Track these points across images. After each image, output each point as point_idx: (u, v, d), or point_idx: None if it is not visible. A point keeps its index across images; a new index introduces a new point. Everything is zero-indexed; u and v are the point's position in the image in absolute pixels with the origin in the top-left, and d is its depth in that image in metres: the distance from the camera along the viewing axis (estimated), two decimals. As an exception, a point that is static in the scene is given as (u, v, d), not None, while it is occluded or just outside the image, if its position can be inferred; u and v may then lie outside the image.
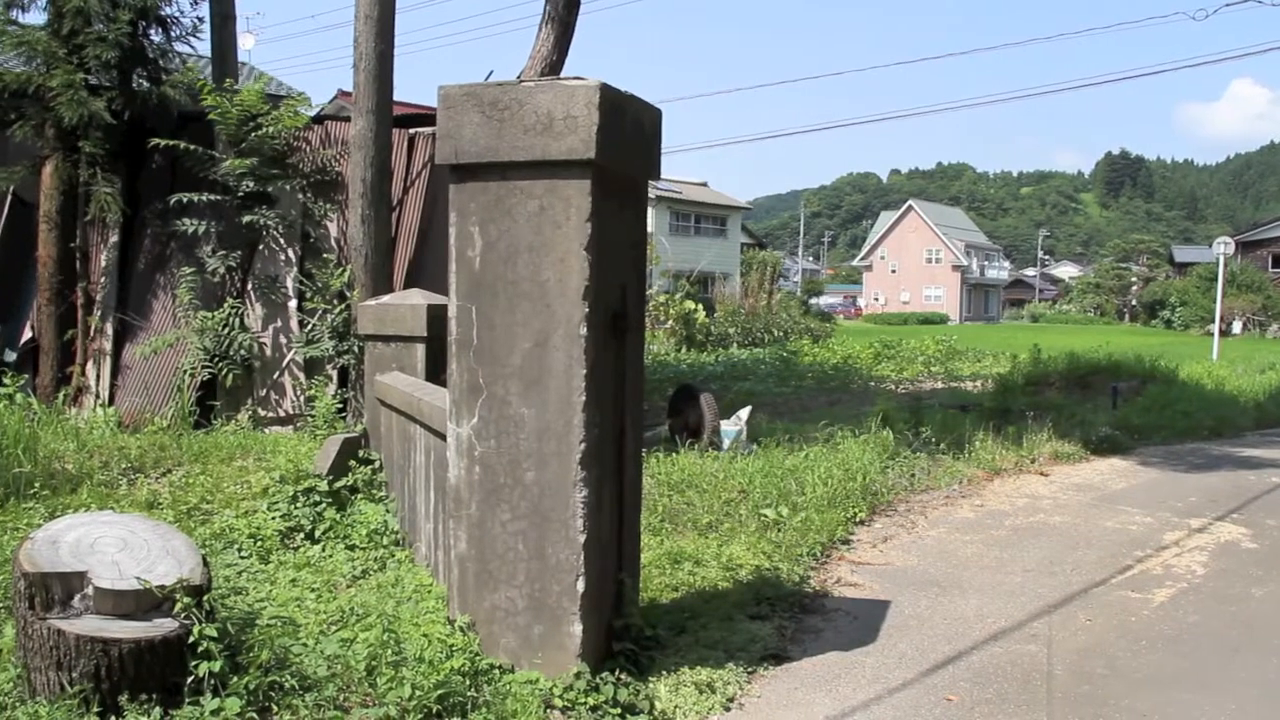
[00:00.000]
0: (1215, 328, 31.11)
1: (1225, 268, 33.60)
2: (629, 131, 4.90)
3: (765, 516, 8.05)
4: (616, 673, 4.79)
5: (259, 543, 6.89)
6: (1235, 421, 16.00)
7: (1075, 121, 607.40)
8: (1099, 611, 6.60)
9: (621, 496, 5.12)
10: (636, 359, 5.28)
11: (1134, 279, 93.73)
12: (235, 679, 4.12)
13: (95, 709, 3.93)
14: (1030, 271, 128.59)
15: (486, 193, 4.75)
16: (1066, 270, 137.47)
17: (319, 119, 13.37)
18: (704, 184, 64.77)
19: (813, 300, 71.49)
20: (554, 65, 11.10)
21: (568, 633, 4.71)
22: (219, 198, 11.92)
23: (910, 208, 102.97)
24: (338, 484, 7.57)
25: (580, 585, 4.68)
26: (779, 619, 6.12)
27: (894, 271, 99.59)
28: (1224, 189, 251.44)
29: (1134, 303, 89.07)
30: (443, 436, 5.19)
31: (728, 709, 4.91)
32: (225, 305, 11.79)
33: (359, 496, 7.58)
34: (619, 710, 4.59)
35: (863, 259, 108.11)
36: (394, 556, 6.72)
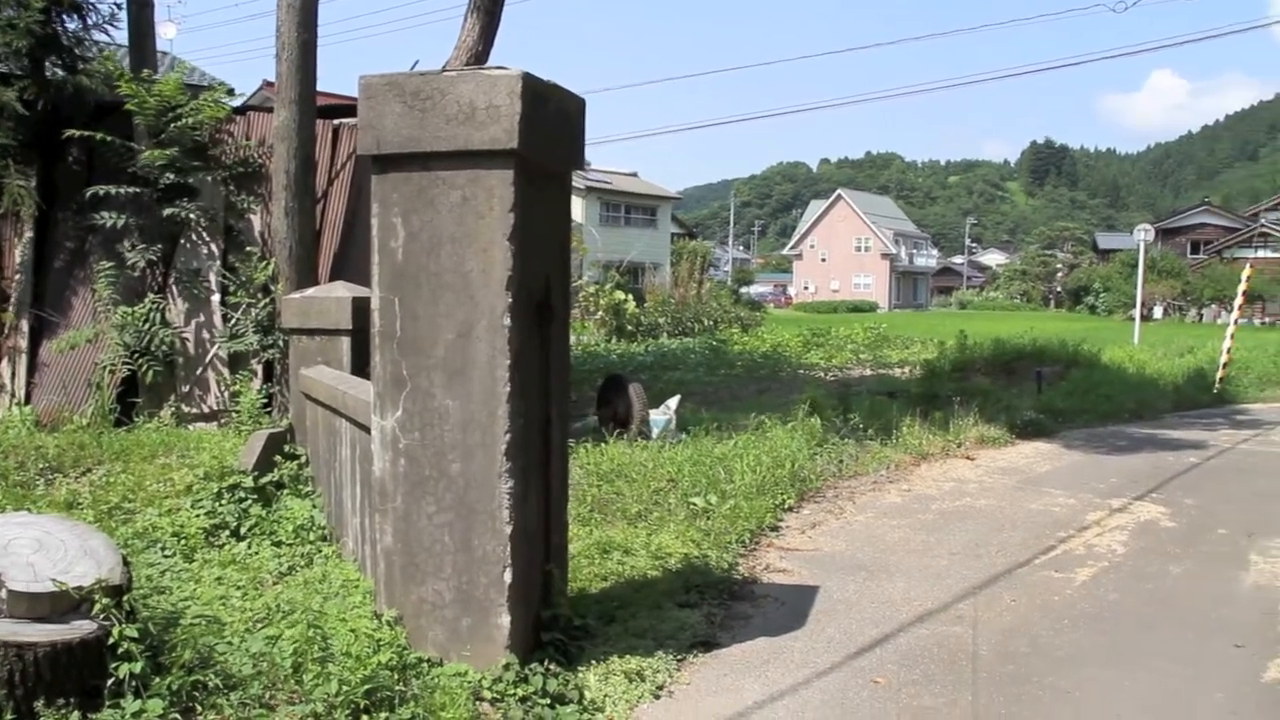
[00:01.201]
0: (1137, 313, 31.69)
1: (1146, 254, 34.28)
2: (552, 121, 4.88)
3: (694, 505, 8.08)
4: (545, 663, 4.78)
5: (183, 541, 6.77)
6: (1155, 404, 16.35)
7: (1001, 111, 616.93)
8: (1023, 592, 6.72)
9: (548, 487, 5.11)
10: (562, 349, 5.27)
11: (1059, 266, 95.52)
12: (157, 680, 4.05)
13: (9, 715, 3.84)
14: (958, 259, 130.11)
15: (409, 183, 4.73)
16: (993, 258, 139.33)
17: (242, 110, 13.15)
18: (634, 174, 64.81)
19: (743, 289, 71.80)
20: (479, 55, 11.01)
21: (496, 624, 4.70)
22: (139, 190, 11.67)
23: (839, 197, 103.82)
24: (263, 480, 7.47)
25: (507, 577, 4.67)
26: (708, 606, 6.15)
27: (824, 260, 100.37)
28: (1145, 177, 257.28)
29: (1059, 289, 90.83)
30: (368, 430, 5.15)
31: (657, 697, 4.93)
32: (146, 300, 11.56)
33: (285, 492, 7.49)
34: (548, 700, 4.59)
35: (793, 248, 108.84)
36: (321, 552, 6.65)
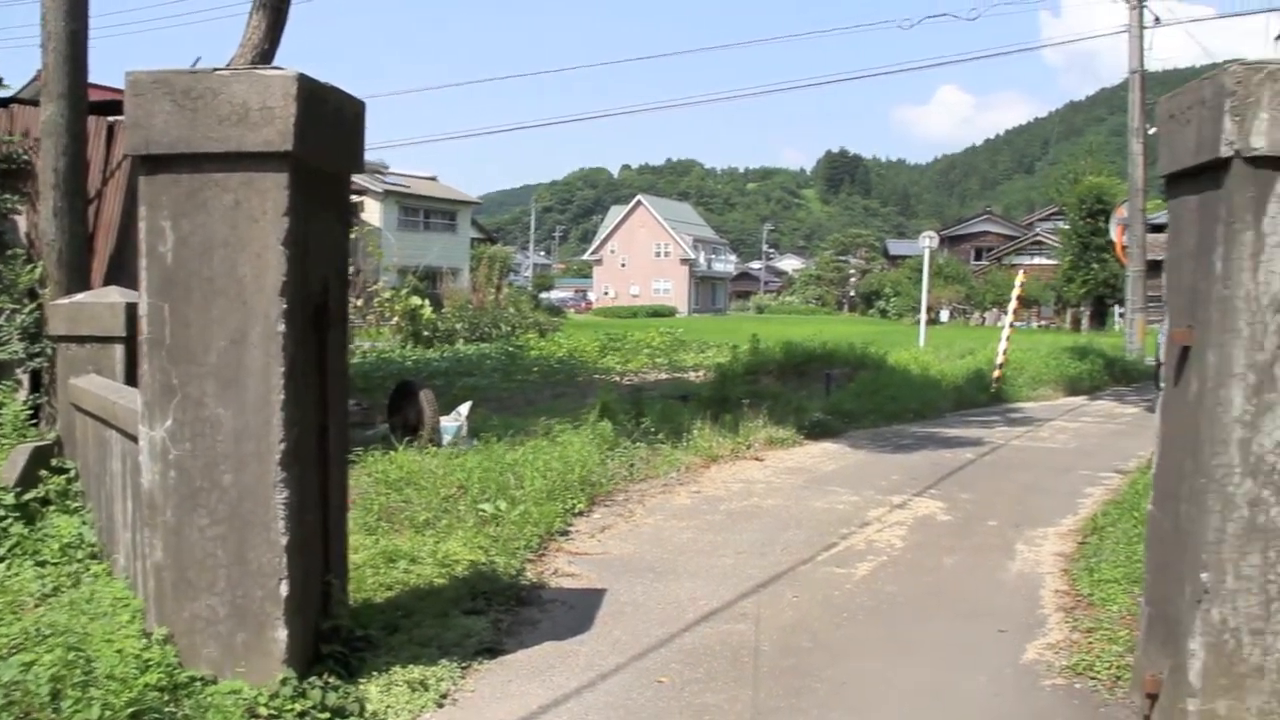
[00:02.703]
0: (922, 316, 33.05)
1: (932, 260, 35.77)
2: (330, 123, 4.82)
3: (483, 511, 8.03)
4: (325, 676, 4.69)
5: (-69, 566, 6.34)
6: (937, 404, 17.09)
7: (798, 121, 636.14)
8: (805, 588, 6.95)
9: (326, 496, 5.01)
10: (339, 354, 5.19)
11: (852, 271, 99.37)
12: (-113, 720, 3.79)
13: None
14: (756, 264, 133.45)
15: (179, 185, 4.59)
16: (790, 263, 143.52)
17: (4, 102, 12.37)
18: (434, 178, 64.01)
19: (544, 295, 72.02)
20: (266, 54, 10.69)
21: (272, 638, 4.58)
22: (-118, 187, 10.85)
23: (639, 203, 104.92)
24: (27, 496, 7.06)
25: (284, 589, 4.56)
26: (495, 613, 6.15)
27: (624, 265, 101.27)
28: (933, 187, 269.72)
29: (852, 293, 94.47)
30: (139, 441, 4.95)
31: (441, 705, 4.91)
32: (-106, 307, 10.74)
33: (52, 508, 7.11)
34: (328, 714, 4.51)
35: (593, 253, 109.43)
36: (90, 570, 6.33)
